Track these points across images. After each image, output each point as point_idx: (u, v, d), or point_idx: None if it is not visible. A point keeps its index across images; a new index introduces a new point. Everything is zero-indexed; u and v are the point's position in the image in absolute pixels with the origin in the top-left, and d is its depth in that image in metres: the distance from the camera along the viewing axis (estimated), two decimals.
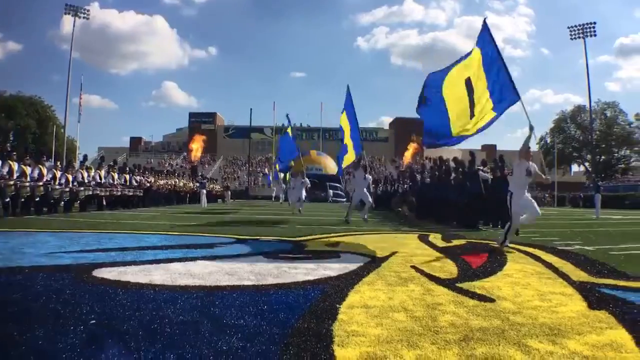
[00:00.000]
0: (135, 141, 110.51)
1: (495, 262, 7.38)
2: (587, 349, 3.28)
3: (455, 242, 10.27)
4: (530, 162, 9.60)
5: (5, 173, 16.10)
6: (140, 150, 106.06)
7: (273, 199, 37.57)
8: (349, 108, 20.10)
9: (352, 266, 6.73)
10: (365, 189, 18.42)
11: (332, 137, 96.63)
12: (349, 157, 20.52)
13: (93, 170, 23.06)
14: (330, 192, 63.43)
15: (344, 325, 3.73)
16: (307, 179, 24.95)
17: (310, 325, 3.71)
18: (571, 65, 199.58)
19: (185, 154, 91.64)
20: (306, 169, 29.44)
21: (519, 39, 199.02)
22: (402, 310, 4.25)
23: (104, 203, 23.20)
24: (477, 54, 10.81)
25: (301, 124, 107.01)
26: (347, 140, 20.34)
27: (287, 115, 21.84)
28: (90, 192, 21.67)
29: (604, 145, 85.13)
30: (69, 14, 66.96)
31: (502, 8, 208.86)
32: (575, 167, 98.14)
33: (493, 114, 10.42)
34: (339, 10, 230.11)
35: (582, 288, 5.41)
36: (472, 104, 10.78)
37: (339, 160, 22.21)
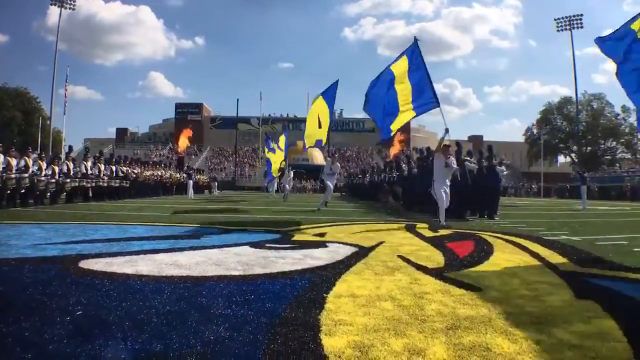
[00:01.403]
0: (121, 132, 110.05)
1: (482, 252, 7.40)
2: (574, 338, 3.29)
3: (442, 232, 10.29)
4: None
5: None
6: (127, 141, 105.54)
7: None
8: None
9: (339, 256, 6.75)
10: None
11: None
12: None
13: (77, 162, 22.93)
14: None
15: (331, 315, 3.73)
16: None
17: (298, 314, 3.71)
18: (558, 57, 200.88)
19: (171, 145, 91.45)
20: (293, 160, 29.40)
21: (506, 31, 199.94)
22: (389, 299, 4.25)
23: (90, 194, 23.02)
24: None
25: (287, 114, 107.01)
26: None
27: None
28: (77, 184, 21.54)
29: (590, 137, 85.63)
30: (55, 4, 66.35)
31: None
32: (561, 158, 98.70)
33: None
34: (325, 1, 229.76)
35: (568, 277, 5.43)
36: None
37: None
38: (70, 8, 68.44)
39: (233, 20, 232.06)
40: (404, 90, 12.09)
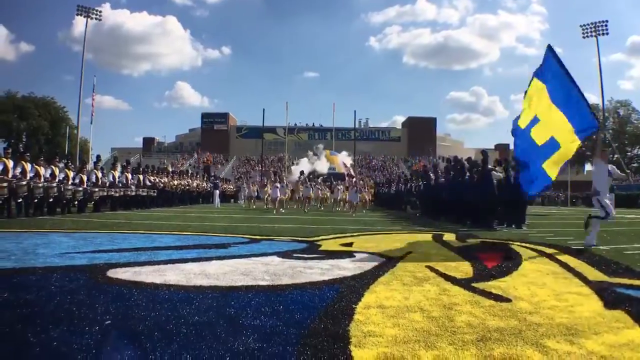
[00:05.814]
0: (148, 142, 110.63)
1: (510, 262, 7.35)
2: (604, 349, 3.27)
3: (470, 242, 10.24)
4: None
5: (18, 173, 16.18)
6: (154, 151, 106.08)
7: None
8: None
9: (367, 266, 6.74)
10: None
11: (344, 137, 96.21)
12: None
13: (105, 171, 23.18)
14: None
15: (361, 326, 3.72)
16: None
17: (327, 325, 3.71)
18: (584, 63, 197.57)
19: (196, 155, 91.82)
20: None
21: (532, 38, 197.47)
22: (418, 311, 4.23)
23: (118, 203, 23.25)
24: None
25: (313, 123, 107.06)
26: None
27: None
28: (104, 193, 21.73)
29: (616, 144, 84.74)
30: (80, 14, 66.73)
31: (514, 6, 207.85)
32: (588, 166, 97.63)
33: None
34: (350, 10, 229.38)
35: (598, 288, 5.38)
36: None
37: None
38: (96, 18, 68.84)
39: (259, 30, 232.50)
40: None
